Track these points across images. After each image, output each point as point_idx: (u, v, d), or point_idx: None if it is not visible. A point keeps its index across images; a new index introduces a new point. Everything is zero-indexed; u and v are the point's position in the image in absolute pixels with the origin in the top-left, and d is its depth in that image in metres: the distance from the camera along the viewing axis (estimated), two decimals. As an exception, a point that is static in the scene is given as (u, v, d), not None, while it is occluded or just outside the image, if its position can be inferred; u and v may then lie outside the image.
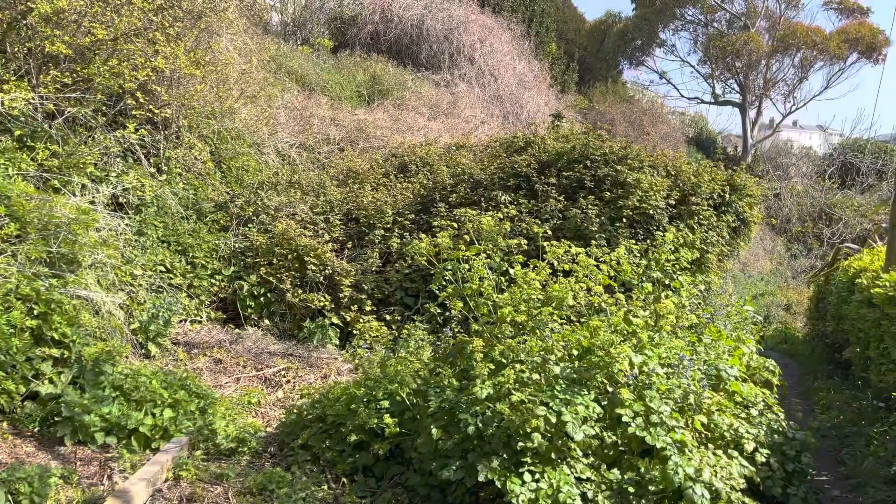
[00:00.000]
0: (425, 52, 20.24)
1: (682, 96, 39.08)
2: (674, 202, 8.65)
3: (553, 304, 4.99)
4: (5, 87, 7.76)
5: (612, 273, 5.73)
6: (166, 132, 9.91)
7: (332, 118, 14.22)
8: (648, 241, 7.59)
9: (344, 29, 22.13)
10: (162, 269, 8.21)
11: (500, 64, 20.47)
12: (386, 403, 5.02)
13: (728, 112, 39.90)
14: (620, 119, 25.09)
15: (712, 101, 36.04)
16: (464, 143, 12.52)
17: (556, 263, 5.51)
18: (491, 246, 5.49)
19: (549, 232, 7.87)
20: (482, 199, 9.12)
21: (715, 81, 35.34)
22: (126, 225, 8.01)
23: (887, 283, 6.21)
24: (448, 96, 18.05)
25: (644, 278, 6.26)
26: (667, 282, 6.45)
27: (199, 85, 9.87)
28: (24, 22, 7.86)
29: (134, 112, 8.49)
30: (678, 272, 6.55)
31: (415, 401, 4.96)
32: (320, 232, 9.02)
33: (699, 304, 7.23)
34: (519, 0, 26.84)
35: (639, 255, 6.63)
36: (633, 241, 7.05)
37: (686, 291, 6.12)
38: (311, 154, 13.14)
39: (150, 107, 8.49)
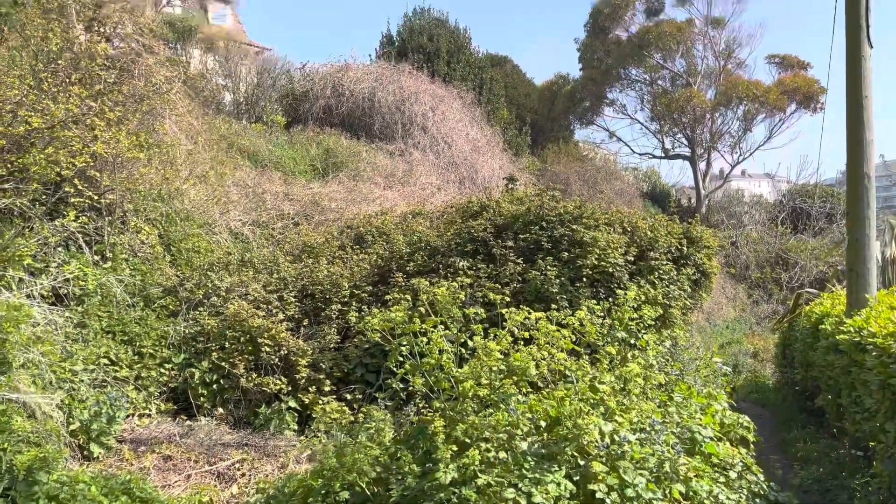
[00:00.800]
0: (378, 124, 20.41)
1: (634, 152, 40.09)
2: (632, 258, 8.58)
3: (516, 375, 4.75)
4: (-67, 181, 7.44)
5: (576, 336, 5.53)
6: (110, 218, 9.60)
7: (285, 193, 14.06)
8: (610, 299, 7.46)
9: (296, 105, 22.29)
10: (106, 361, 7.74)
11: (452, 131, 20.71)
12: (345, 495, 4.65)
13: (680, 165, 41.11)
14: (575, 178, 25.45)
15: (663, 155, 36.97)
16: (420, 210, 12.42)
17: (516, 331, 5.30)
18: (448, 317, 5.26)
19: (510, 296, 7.68)
20: (440, 266, 8.93)
21: (664, 137, 36.34)
22: (66, 317, 7.59)
23: (852, 329, 6.12)
24: (403, 165, 18.10)
25: (609, 339, 6.09)
26: (632, 341, 6.28)
27: (144, 168, 9.64)
28: (-49, 114, 7.60)
29: (73, 200, 8.16)
30: (643, 330, 6.39)
31: (376, 490, 4.61)
32: (274, 311, 8.69)
33: (667, 360, 7.07)
34: (468, 69, 27.49)
35: (602, 314, 6.47)
36: (595, 301, 6.90)
37: (653, 350, 5.94)
38: (266, 231, 12.90)
39: (90, 193, 8.19)
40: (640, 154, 38.94)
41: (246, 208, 13.20)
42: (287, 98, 22.75)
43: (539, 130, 33.90)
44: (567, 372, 5.03)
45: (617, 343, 6.03)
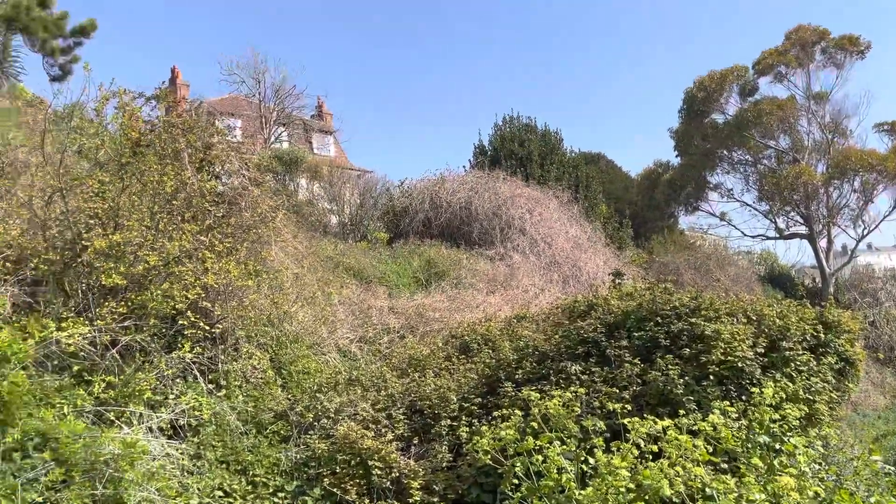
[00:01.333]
0: (476, 231, 20.58)
1: (745, 235, 38.25)
2: (762, 350, 7.82)
3: (647, 495, 4.21)
4: (64, 324, 7.86)
5: (710, 444, 4.93)
6: (223, 346, 9.86)
7: (390, 307, 14.14)
8: (743, 398, 6.75)
9: (397, 220, 22.95)
10: (220, 493, 7.68)
11: (551, 231, 20.55)
12: None
13: (797, 244, 38.78)
14: (685, 267, 24.43)
15: (777, 235, 35.14)
16: (524, 313, 12.09)
17: (642, 443, 4.78)
18: (564, 431, 4.83)
19: (630, 401, 7.12)
20: (550, 372, 8.48)
21: (776, 216, 34.66)
22: (182, 450, 7.66)
23: None
24: (504, 269, 17.97)
25: (749, 445, 5.40)
26: (777, 446, 5.55)
27: (254, 294, 9.94)
28: (80, 259, 8.13)
29: (186, 331, 8.43)
30: (787, 432, 5.65)
31: None
32: (383, 430, 8.44)
33: (820, 465, 6.21)
34: (562, 169, 27.64)
35: (736, 416, 5.81)
36: (726, 402, 6.23)
37: (803, 456, 5.20)
38: (373, 346, 12.91)
39: (202, 324, 8.44)
40: (753, 236, 37.20)
41: (353, 325, 13.32)
42: (388, 215, 23.52)
43: (641, 222, 33.24)
44: (707, 489, 4.43)
45: (759, 449, 5.34)
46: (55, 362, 7.89)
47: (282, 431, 9.22)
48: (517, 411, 5.78)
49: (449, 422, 8.61)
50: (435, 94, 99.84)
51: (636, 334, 8.33)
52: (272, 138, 37.20)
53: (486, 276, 17.30)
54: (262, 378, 10.34)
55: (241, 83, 38.34)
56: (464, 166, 29.89)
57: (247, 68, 37.96)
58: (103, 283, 8.14)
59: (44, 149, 9.14)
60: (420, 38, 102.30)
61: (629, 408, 6.34)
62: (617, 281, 11.12)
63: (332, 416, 9.14)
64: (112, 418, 7.36)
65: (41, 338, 7.58)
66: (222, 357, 9.70)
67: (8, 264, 7.97)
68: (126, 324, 8.32)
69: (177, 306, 8.23)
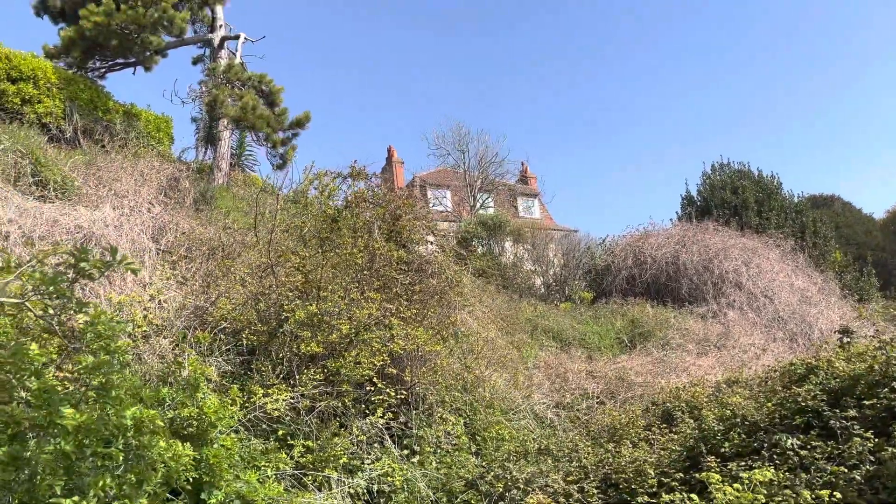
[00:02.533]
0: (685, 287, 19.26)
1: None
2: None
3: None
4: (270, 390, 8.49)
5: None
6: (416, 411, 10.01)
7: (588, 371, 13.53)
8: None
9: (599, 279, 22.29)
10: (408, 562, 7.65)
11: (772, 283, 18.59)
12: None
13: None
14: (948, 320, 20.67)
15: None
16: (737, 377, 10.87)
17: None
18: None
19: (864, 482, 5.97)
20: (763, 445, 7.42)
21: None
22: (373, 517, 7.77)
23: None
24: (717, 327, 16.49)
25: None
26: None
27: (445, 359, 10.04)
28: (283, 329, 8.80)
29: (375, 398, 8.67)
30: None
31: None
32: (574, 505, 7.90)
33: None
34: (783, 216, 25.19)
35: None
36: None
37: None
38: (570, 412, 12.36)
39: (391, 391, 8.65)
40: None
41: (549, 390, 12.90)
42: (590, 274, 22.94)
43: (888, 269, 29.01)
44: None
45: None
46: (263, 426, 8.51)
47: (472, 501, 9.03)
48: (692, 496, 5.05)
49: (646, 498, 7.85)
50: (638, 146, 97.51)
51: (867, 402, 7.05)
52: (478, 205, 38.61)
53: (697, 335, 15.98)
54: (455, 444, 10.30)
55: (448, 156, 40.55)
56: (670, 219, 28.52)
57: (452, 141, 40.13)
58: (303, 351, 8.70)
59: (257, 230, 10.19)
60: (622, 93, 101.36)
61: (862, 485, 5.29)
62: (844, 339, 9.62)
63: (522, 486, 8.79)
64: (309, 482, 7.70)
65: (250, 403, 8.24)
66: (415, 422, 9.84)
67: (223, 336, 8.85)
68: (325, 390, 8.80)
69: (366, 373, 8.53)
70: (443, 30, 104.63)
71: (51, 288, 3.80)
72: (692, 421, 8.91)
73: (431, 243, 10.48)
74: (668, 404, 10.19)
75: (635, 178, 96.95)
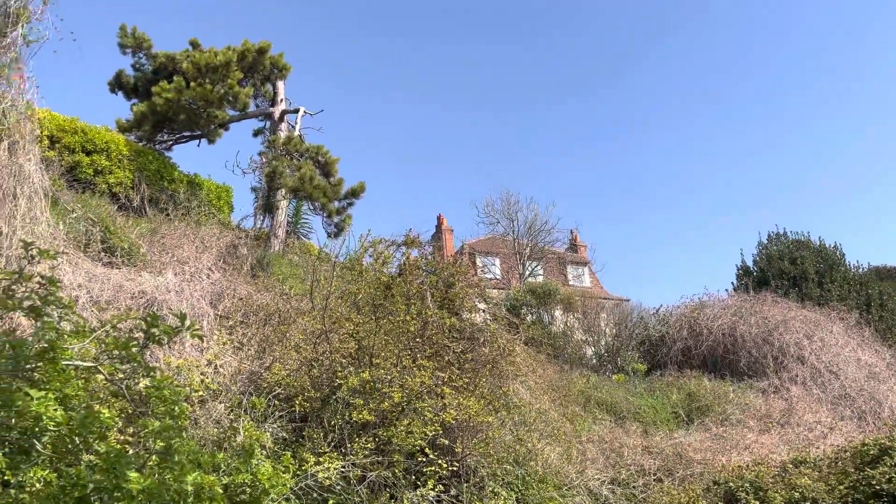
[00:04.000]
0: (744, 360, 18.64)
1: None
2: None
3: None
4: (322, 458, 8.46)
5: None
6: (467, 484, 9.79)
7: (644, 446, 13.06)
8: None
9: (653, 350, 21.75)
10: None
11: (837, 358, 17.83)
12: None
13: None
14: None
15: None
16: (804, 457, 10.36)
17: None
18: None
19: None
20: (836, 533, 7.01)
21: None
22: None
23: None
24: (780, 403, 15.82)
25: None
26: None
27: (496, 431, 9.86)
28: (335, 396, 8.81)
29: (426, 469, 8.54)
30: None
31: None
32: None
33: None
34: (846, 288, 24.40)
35: None
36: None
37: None
38: (626, 489, 11.89)
39: (442, 462, 8.51)
40: None
41: (604, 465, 12.48)
42: (644, 345, 22.43)
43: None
44: None
45: None
46: (314, 495, 8.44)
47: (525, 581, 8.70)
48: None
49: (711, 585, 7.45)
50: (691, 215, 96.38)
51: (950, 488, 6.63)
52: (527, 273, 38.53)
53: (758, 411, 15.34)
54: (507, 520, 10.00)
55: (497, 223, 40.81)
56: (726, 289, 27.87)
57: (501, 209, 40.44)
58: (355, 419, 8.68)
59: (313, 296, 10.36)
60: (671, 163, 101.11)
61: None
62: (921, 418, 9.13)
63: (577, 567, 8.44)
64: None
65: (302, 471, 8.20)
66: (467, 496, 9.61)
67: (277, 402, 8.91)
68: (376, 459, 8.71)
69: (417, 443, 8.43)
70: (493, 100, 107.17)
71: (122, 352, 3.92)
72: (758, 503, 8.50)
73: (483, 311, 10.45)
74: (731, 484, 9.76)
75: (688, 248, 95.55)
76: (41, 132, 10.85)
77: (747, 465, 10.55)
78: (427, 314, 9.27)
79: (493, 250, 41.98)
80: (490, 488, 10.01)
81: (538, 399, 11.38)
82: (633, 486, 11.89)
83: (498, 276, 39.24)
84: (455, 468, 9.15)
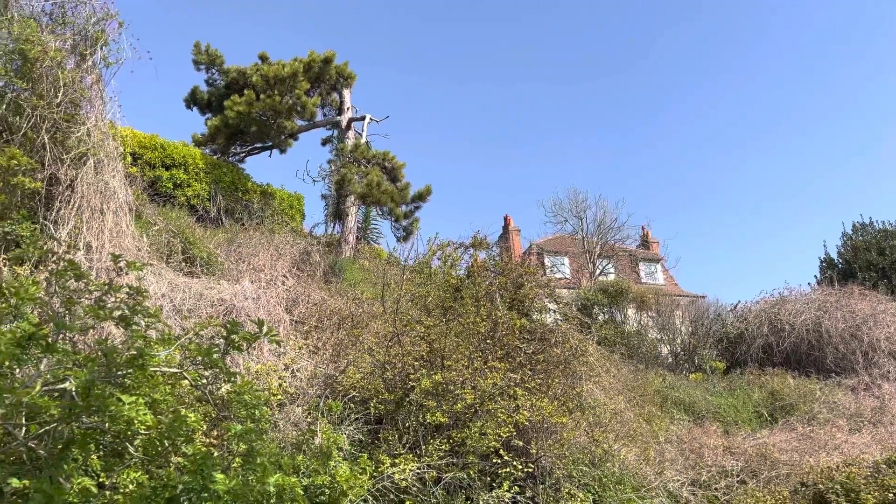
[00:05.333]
0: (831, 356, 17.80)
1: None
2: None
3: None
4: (397, 460, 8.56)
5: None
6: (543, 486, 9.72)
7: (726, 447, 12.65)
8: None
9: (732, 348, 21.08)
10: None
11: (933, 353, 16.84)
12: None
13: None
14: None
15: None
16: (899, 458, 9.83)
17: None
18: None
19: None
20: (938, 537, 6.62)
21: None
22: None
23: None
24: (871, 401, 15.04)
25: None
26: None
27: (571, 432, 9.75)
28: (409, 398, 8.90)
29: (501, 471, 8.53)
30: None
31: None
32: None
33: None
34: (940, 277, 23.04)
35: None
36: None
37: None
38: (707, 491, 11.55)
39: (516, 463, 8.47)
40: None
41: (683, 466, 12.15)
42: (721, 342, 21.76)
43: None
44: None
45: None
46: (391, 496, 8.54)
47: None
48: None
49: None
50: (767, 207, 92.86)
51: None
52: (598, 271, 37.94)
53: (847, 409, 14.62)
54: (586, 523, 9.87)
55: (565, 222, 40.37)
56: (808, 283, 26.77)
57: (569, 208, 39.99)
58: (429, 420, 8.75)
59: (384, 300, 10.51)
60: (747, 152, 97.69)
61: None
62: None
63: (657, 571, 8.25)
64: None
65: (378, 472, 8.32)
66: (542, 498, 9.54)
67: (352, 404, 9.07)
68: (450, 460, 8.75)
69: (491, 444, 8.42)
70: (564, 94, 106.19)
71: (205, 358, 4.07)
72: (850, 506, 8.12)
73: (554, 311, 10.36)
74: (820, 486, 9.35)
75: (765, 241, 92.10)
76: (124, 149, 11.38)
77: (837, 466, 10.07)
78: (497, 315, 9.26)
79: (561, 249, 41.56)
80: (566, 490, 9.90)
81: (613, 399, 11.18)
82: (715, 488, 11.53)
83: (567, 276, 38.80)
84: (530, 469, 9.10)
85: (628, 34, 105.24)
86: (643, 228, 46.18)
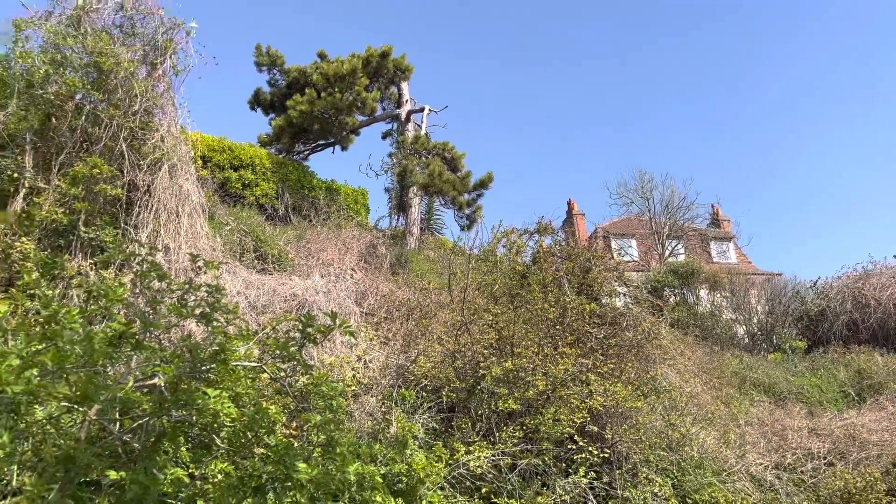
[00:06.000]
0: (921, 331, 16.94)
1: None
2: None
3: None
4: (472, 447, 8.61)
5: None
6: (620, 471, 9.61)
7: (811, 428, 12.22)
8: None
9: (813, 326, 20.30)
10: None
11: None
12: None
13: None
14: None
15: None
16: None
17: None
18: None
19: None
20: None
21: None
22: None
23: None
24: (968, 378, 14.22)
25: None
26: None
27: (646, 416, 9.60)
28: (480, 386, 8.93)
29: (576, 456, 8.47)
30: None
31: None
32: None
33: None
34: None
35: None
36: None
37: None
38: (792, 475, 11.17)
39: (591, 449, 8.40)
40: None
41: (765, 449, 11.80)
42: (801, 321, 20.97)
43: None
44: None
45: None
46: (466, 483, 8.61)
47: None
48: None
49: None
50: (845, 182, 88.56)
51: None
52: (667, 252, 37.09)
53: (943, 386, 13.90)
54: (666, 508, 9.72)
55: (631, 204, 39.60)
56: (894, 255, 25.46)
57: (635, 189, 39.20)
58: (501, 408, 8.76)
59: (450, 289, 10.56)
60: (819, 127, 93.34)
61: None
62: None
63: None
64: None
65: (453, 460, 8.40)
66: (620, 483, 9.44)
67: (425, 393, 9.17)
68: (525, 447, 8.75)
69: (565, 430, 8.38)
70: (623, 73, 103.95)
71: (283, 352, 4.19)
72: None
73: (623, 295, 10.19)
74: (915, 467, 8.92)
75: (843, 215, 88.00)
76: (194, 153, 11.78)
77: (932, 447, 9.60)
78: (565, 301, 9.18)
79: (628, 232, 40.80)
80: (643, 474, 9.76)
81: (688, 382, 10.94)
82: (801, 471, 11.15)
83: (635, 258, 38.07)
84: (606, 455, 9.01)
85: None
86: (713, 207, 44.87)
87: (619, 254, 37.30)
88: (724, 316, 22.70)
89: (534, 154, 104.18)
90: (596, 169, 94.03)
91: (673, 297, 23.62)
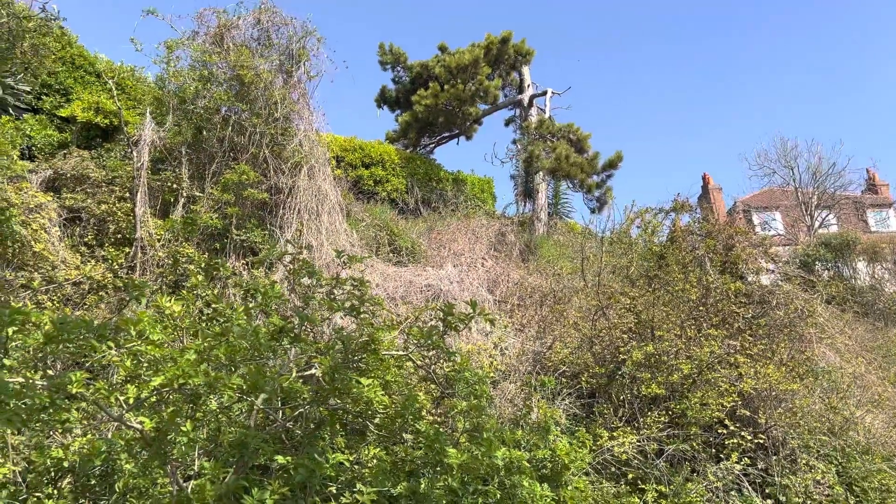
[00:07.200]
0: None
1: None
2: None
3: None
4: (615, 433, 8.48)
5: None
6: (776, 457, 9.10)
7: None
8: None
9: None
10: None
11: None
12: None
13: None
14: None
15: None
16: None
17: None
18: None
19: None
20: None
21: None
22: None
23: None
24: None
25: None
26: None
27: (804, 399, 9.03)
28: (621, 371, 8.75)
29: (728, 441, 8.12)
30: None
31: None
32: None
33: None
34: None
35: None
36: None
37: None
38: (977, 462, 10.09)
39: (743, 434, 8.02)
40: None
41: (946, 434, 10.74)
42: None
43: None
44: None
45: None
46: (611, 469, 8.50)
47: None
48: None
49: None
50: None
51: None
52: (816, 224, 34.47)
53: None
54: (828, 495, 9.10)
55: (773, 174, 37.12)
56: None
57: (777, 158, 36.71)
58: (644, 393, 8.56)
59: (584, 274, 10.40)
60: None
61: None
62: None
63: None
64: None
65: (596, 446, 8.31)
66: (777, 469, 8.95)
67: (564, 379, 9.11)
68: (671, 432, 8.50)
69: (713, 415, 8.05)
70: (755, 36, 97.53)
71: (426, 341, 4.32)
72: None
73: (771, 272, 9.60)
74: None
75: None
76: (329, 154, 12.33)
77: None
78: (708, 281, 8.78)
79: (771, 204, 38.32)
80: (804, 461, 9.19)
81: (850, 362, 10.14)
82: None
83: (781, 232, 35.69)
84: (760, 440, 8.57)
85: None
86: (868, 171, 41.14)
87: (763, 228, 35.10)
88: (886, 289, 20.88)
89: (662, 130, 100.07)
90: (729, 140, 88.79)
91: (826, 271, 22.02)
